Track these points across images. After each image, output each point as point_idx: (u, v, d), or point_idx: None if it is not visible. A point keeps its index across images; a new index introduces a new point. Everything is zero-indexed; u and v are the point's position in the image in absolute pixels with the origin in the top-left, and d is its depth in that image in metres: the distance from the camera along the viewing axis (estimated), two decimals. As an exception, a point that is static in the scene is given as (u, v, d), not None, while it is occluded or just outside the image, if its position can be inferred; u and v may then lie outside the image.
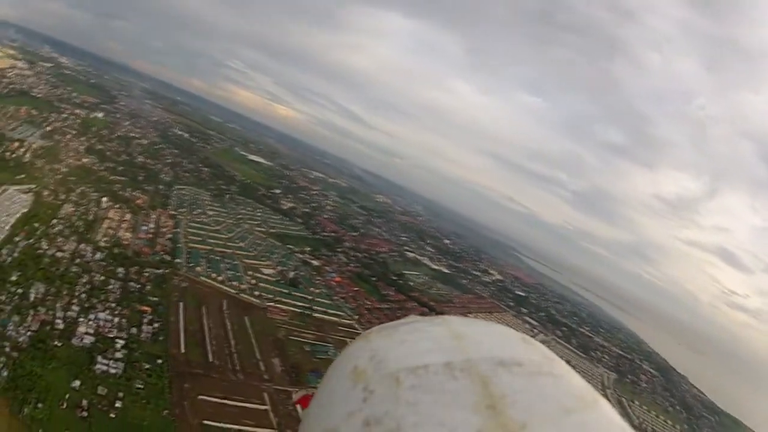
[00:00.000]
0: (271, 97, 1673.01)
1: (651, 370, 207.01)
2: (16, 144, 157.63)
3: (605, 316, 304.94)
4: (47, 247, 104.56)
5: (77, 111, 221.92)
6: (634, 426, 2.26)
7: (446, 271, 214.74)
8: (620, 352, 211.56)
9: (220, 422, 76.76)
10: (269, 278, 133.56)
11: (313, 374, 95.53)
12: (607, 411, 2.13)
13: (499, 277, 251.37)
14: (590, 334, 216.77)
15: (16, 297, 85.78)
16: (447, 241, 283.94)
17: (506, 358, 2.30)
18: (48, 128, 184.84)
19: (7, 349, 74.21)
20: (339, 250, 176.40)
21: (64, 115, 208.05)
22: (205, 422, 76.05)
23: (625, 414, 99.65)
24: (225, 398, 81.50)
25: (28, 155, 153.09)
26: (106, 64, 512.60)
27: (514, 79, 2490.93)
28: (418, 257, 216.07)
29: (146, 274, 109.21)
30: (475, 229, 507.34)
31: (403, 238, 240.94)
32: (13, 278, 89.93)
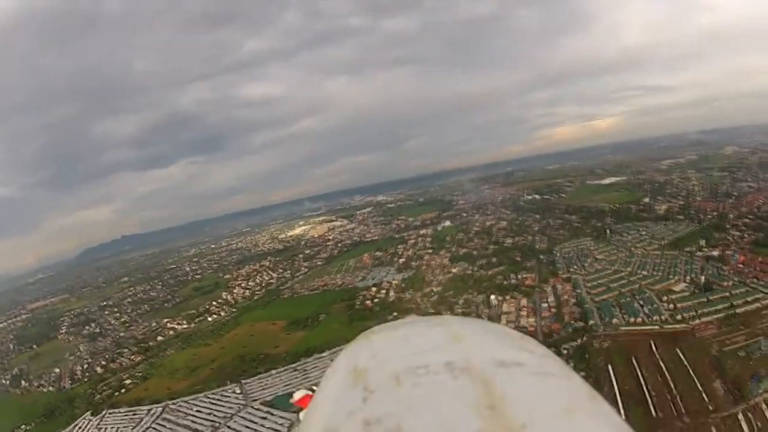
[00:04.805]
0: (583, 117, 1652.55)
1: None
2: (373, 290, 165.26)
3: None
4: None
5: (422, 231, 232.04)
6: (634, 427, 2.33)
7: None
8: None
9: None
10: (684, 294, 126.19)
11: (754, 380, 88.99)
12: (607, 411, 2.29)
13: None
14: None
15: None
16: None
17: (506, 358, 2.49)
18: (401, 261, 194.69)
19: None
20: (728, 226, 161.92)
21: (411, 241, 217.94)
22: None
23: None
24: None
25: (391, 294, 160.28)
26: (421, 180, 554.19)
27: None
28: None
29: (564, 351, 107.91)
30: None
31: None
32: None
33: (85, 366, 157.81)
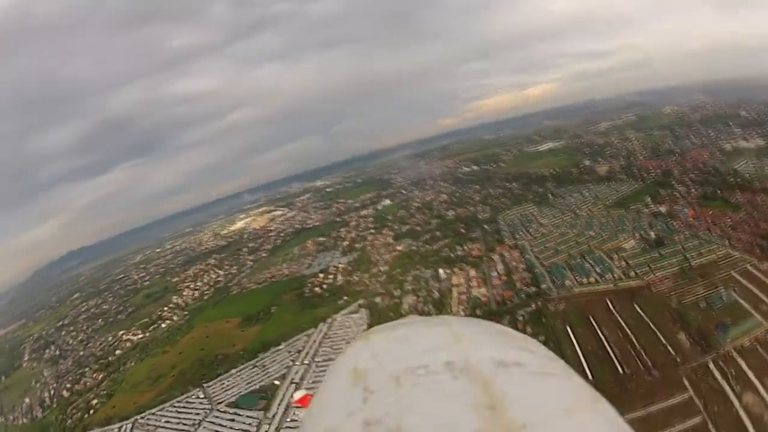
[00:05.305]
0: (515, 86, 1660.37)
1: None
2: (321, 276, 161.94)
3: None
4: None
5: (363, 212, 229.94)
6: (634, 427, 2.26)
7: (762, 142, 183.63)
8: None
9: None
10: (635, 251, 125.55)
11: (719, 330, 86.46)
12: (608, 411, 2.18)
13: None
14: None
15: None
16: (743, 113, 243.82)
17: (506, 358, 2.38)
18: (345, 244, 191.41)
19: None
20: (673, 183, 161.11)
21: (353, 223, 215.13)
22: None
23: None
24: (649, 406, 76.34)
25: (339, 278, 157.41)
26: (357, 162, 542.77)
27: None
28: (734, 144, 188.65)
29: (521, 318, 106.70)
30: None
31: (711, 134, 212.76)
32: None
33: (52, 392, 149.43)
